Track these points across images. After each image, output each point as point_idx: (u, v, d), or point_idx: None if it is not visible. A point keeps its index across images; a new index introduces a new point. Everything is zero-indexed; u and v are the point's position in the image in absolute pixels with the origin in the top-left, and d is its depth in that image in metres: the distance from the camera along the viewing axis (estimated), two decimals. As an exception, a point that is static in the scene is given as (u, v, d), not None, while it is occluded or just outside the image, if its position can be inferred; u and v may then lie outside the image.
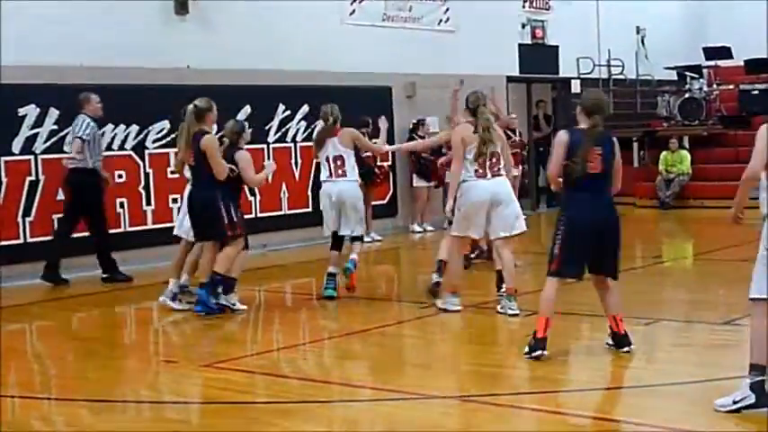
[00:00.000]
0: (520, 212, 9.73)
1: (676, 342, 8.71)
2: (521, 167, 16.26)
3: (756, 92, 21.60)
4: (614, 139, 7.80)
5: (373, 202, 16.46)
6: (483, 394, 6.94)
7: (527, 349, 7.75)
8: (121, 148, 13.95)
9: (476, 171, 9.37)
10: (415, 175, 17.40)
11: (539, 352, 7.68)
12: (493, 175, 9.40)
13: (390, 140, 17.33)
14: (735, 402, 6.22)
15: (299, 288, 12.50)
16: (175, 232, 11.00)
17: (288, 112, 16.02)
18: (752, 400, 6.19)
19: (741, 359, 7.66)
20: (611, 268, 7.82)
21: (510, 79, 20.07)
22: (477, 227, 9.55)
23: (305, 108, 16.04)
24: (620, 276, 7.80)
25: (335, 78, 16.06)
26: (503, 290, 9.76)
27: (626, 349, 7.80)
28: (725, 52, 22.39)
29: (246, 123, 10.94)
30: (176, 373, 8.09)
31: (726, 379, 6.96)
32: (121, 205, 13.90)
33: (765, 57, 21.98)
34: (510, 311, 9.45)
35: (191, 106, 9.99)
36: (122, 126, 13.93)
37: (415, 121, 17.27)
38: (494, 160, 9.39)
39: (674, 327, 9.30)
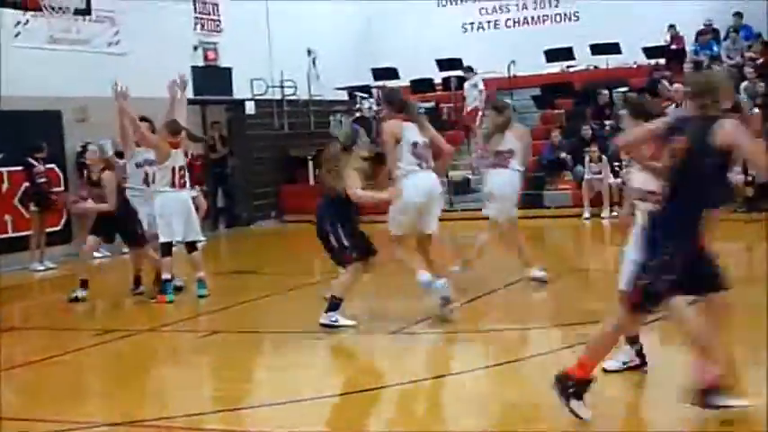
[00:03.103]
0: None
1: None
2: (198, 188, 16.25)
3: (422, 110, 22.64)
4: None
5: (47, 230, 16.02)
6: (156, 418, 6.94)
7: None
8: None
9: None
10: None
11: None
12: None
13: (60, 165, 16.95)
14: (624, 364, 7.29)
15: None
16: None
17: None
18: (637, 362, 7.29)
19: (409, 365, 8.07)
20: None
21: (184, 101, 20.03)
22: None
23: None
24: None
25: (3, 103, 15.50)
26: None
27: None
28: (392, 73, 23.36)
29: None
30: None
31: (396, 385, 7.32)
32: None
33: (428, 77, 23.17)
34: None
35: None
36: None
37: (82, 145, 16.69)
38: None
39: (345, 337, 9.55)
